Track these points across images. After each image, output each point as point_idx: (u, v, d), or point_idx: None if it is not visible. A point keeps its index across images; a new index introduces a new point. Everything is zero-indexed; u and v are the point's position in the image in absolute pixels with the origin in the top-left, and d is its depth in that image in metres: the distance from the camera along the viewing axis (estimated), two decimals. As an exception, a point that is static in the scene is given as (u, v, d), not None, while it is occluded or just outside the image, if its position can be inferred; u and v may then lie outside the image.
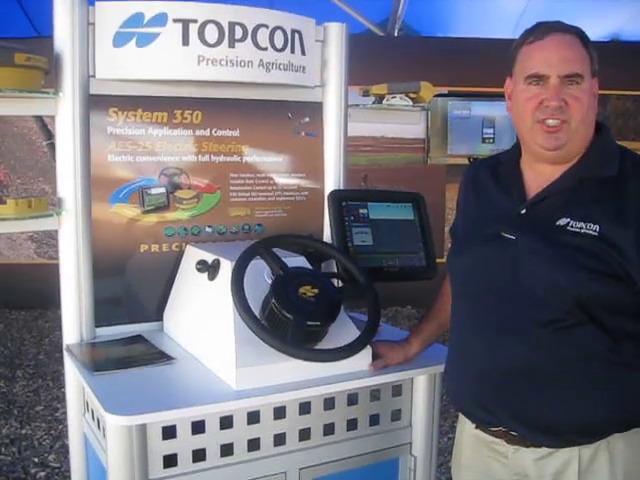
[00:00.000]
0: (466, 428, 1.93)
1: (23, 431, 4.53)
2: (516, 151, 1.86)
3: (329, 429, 2.18)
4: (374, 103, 2.82)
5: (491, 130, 7.55)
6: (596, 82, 1.72)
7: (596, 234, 1.62)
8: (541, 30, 1.71)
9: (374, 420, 2.26)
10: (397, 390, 2.28)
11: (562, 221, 1.67)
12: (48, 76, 2.31)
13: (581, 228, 1.64)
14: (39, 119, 2.33)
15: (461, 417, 1.97)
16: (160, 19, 2.31)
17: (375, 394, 2.24)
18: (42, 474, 3.99)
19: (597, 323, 1.64)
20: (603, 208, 1.64)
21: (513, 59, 1.78)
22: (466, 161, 7.48)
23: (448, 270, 1.97)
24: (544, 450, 1.73)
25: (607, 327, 1.65)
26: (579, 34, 1.70)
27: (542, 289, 1.66)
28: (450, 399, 1.96)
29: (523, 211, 1.74)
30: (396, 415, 2.30)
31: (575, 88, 1.67)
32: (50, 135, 2.25)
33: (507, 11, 7.83)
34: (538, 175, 1.77)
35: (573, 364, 1.67)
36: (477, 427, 1.87)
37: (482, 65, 7.08)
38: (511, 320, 1.71)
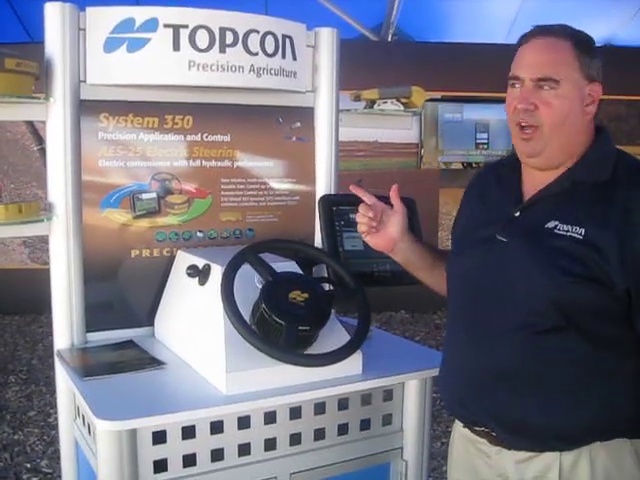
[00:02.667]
0: (457, 426, 1.94)
1: (16, 437, 4.53)
2: (515, 155, 1.85)
3: (320, 434, 2.18)
4: (365, 108, 2.83)
5: (485, 135, 7.57)
6: (596, 87, 1.69)
7: (580, 237, 1.61)
8: (532, 33, 1.72)
9: (365, 425, 2.26)
10: (388, 394, 2.28)
11: (550, 224, 1.67)
12: (39, 81, 2.31)
13: (567, 231, 1.63)
14: (30, 124, 2.33)
15: None
16: (151, 24, 2.31)
17: (366, 398, 2.24)
18: (34, 480, 3.99)
19: (577, 328, 1.64)
20: (591, 211, 1.64)
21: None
22: (460, 166, 7.50)
23: (446, 271, 1.97)
24: (525, 454, 1.73)
25: (587, 332, 1.64)
26: (573, 38, 1.68)
27: (523, 292, 1.67)
28: (440, 395, 1.97)
29: (517, 214, 1.75)
30: (387, 420, 2.30)
31: (548, 93, 1.66)
32: (41, 140, 2.25)
33: (500, 16, 7.85)
34: (534, 179, 1.77)
35: (552, 369, 1.67)
36: (464, 426, 1.87)
37: (476, 70, 7.11)
38: (495, 322, 1.72)
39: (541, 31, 1.71)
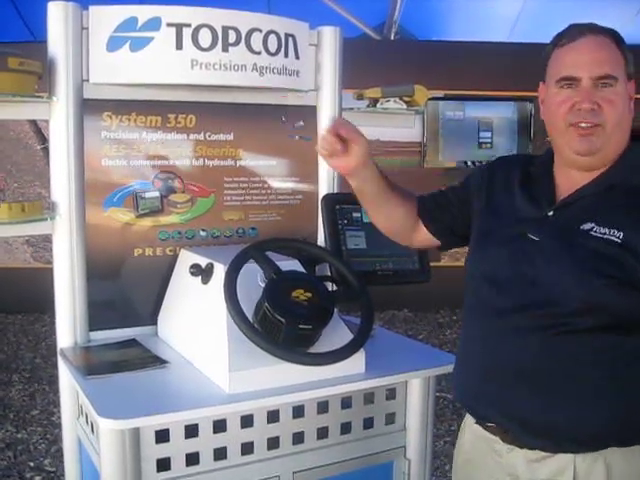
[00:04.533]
0: (468, 421, 1.93)
1: (19, 435, 4.53)
2: (549, 156, 1.84)
3: (323, 432, 2.18)
4: (368, 106, 2.82)
5: (488, 134, 7.56)
6: (632, 85, 1.69)
7: (619, 241, 1.59)
8: (573, 32, 1.69)
9: (368, 423, 2.26)
10: (391, 393, 2.29)
11: (586, 225, 1.65)
12: (42, 80, 2.32)
13: (604, 234, 1.61)
14: (33, 123, 2.34)
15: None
16: (154, 23, 2.31)
17: (369, 397, 2.24)
18: (37, 478, 3.99)
19: (605, 331, 1.62)
20: (629, 216, 1.62)
21: (545, 63, 1.75)
22: (463, 165, 7.49)
23: (467, 265, 1.92)
24: (538, 453, 1.72)
25: (617, 337, 1.62)
26: (613, 36, 1.67)
27: (556, 292, 1.65)
28: (452, 388, 1.95)
29: (550, 213, 1.73)
30: (390, 418, 2.31)
31: (608, 91, 1.64)
32: (44, 139, 2.26)
33: (503, 15, 7.86)
34: (569, 180, 1.75)
35: (576, 369, 1.65)
36: (476, 422, 1.86)
37: (478, 68, 7.11)
38: (519, 320, 1.70)
39: (589, 29, 1.68)
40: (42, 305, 6.89)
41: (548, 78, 1.75)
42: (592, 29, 1.67)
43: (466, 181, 2.05)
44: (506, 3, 7.74)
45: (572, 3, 6.94)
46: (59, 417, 4.54)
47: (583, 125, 1.66)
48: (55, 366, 4.82)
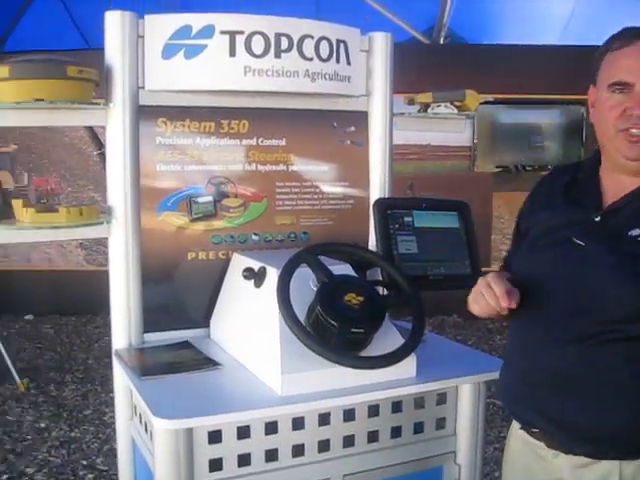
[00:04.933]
0: (514, 427, 1.93)
1: (72, 434, 4.62)
2: (596, 159, 1.83)
3: (373, 436, 2.18)
4: (419, 111, 2.83)
5: (538, 138, 7.50)
6: None
7: None
8: (626, 36, 1.68)
9: (418, 428, 2.26)
10: (442, 398, 2.28)
11: (634, 232, 1.64)
12: (98, 87, 2.37)
13: None
14: (90, 129, 2.40)
15: None
16: (208, 31, 2.35)
17: (419, 402, 2.24)
18: (90, 476, 4.07)
19: None
20: None
21: (597, 66, 1.74)
22: (513, 169, 7.44)
23: (513, 270, 1.92)
24: (583, 459, 1.71)
25: None
26: None
27: (601, 298, 1.64)
28: (498, 393, 1.96)
29: (597, 219, 1.71)
30: (441, 423, 2.30)
31: None
32: (101, 145, 2.31)
33: (553, 17, 7.78)
34: (617, 185, 1.73)
35: (621, 376, 1.64)
36: (521, 428, 1.86)
37: (529, 72, 7.05)
38: (566, 326, 1.69)
39: (636, 34, 1.67)
40: (95, 307, 7.04)
41: (599, 82, 1.74)
42: None
43: (518, 219, 2.03)
44: (557, 5, 7.66)
45: (625, 4, 6.86)
46: (111, 417, 4.66)
47: (634, 131, 1.65)
48: (107, 367, 4.89)
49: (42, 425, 4.75)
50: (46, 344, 6.69)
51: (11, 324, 7.29)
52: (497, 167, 7.48)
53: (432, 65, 7.04)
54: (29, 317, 7.59)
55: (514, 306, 1.70)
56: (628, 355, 1.63)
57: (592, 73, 1.77)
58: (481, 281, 1.78)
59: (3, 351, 5.37)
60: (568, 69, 1.82)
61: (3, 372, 5.56)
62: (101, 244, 7.27)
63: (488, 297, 1.73)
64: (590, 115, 1.81)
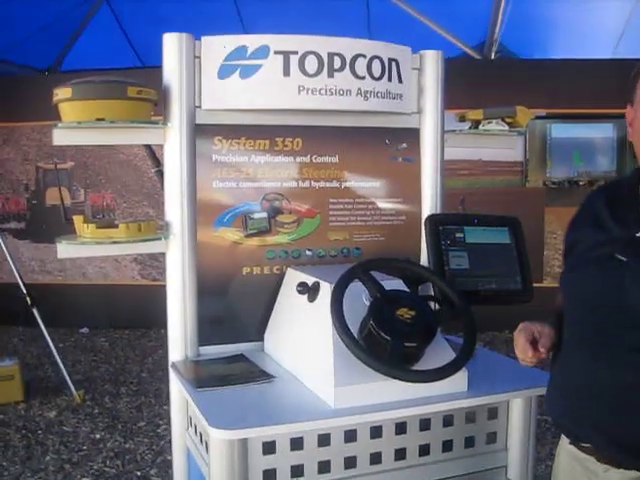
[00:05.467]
0: (563, 443, 1.93)
1: (127, 445, 4.69)
2: (635, 176, 1.84)
3: (424, 450, 2.20)
4: (470, 128, 2.85)
5: (591, 153, 7.44)
6: None
7: None
8: None
9: (469, 442, 2.27)
10: (493, 413, 2.29)
11: None
12: (157, 106, 2.44)
13: None
14: (148, 147, 2.46)
15: None
16: (262, 51, 2.41)
17: (470, 416, 2.25)
18: (145, 487, 4.14)
19: None
20: None
21: (633, 86, 1.76)
22: (566, 184, 7.38)
23: (560, 287, 1.95)
24: (634, 473, 1.71)
25: None
26: None
27: None
28: (546, 408, 1.97)
29: (638, 234, 1.72)
30: (492, 438, 2.30)
31: None
32: (158, 163, 2.38)
33: (607, 31, 7.71)
34: None
35: None
36: (571, 443, 1.87)
37: (581, 86, 7.00)
38: (612, 340, 1.71)
39: None
40: (149, 321, 7.17)
41: (637, 101, 1.75)
42: None
43: (565, 237, 2.04)
44: (610, 18, 7.59)
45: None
46: (165, 429, 4.73)
47: None
48: (161, 380, 4.97)
49: (97, 436, 4.84)
50: (101, 357, 6.81)
51: (67, 337, 7.44)
52: (549, 182, 7.42)
53: (483, 80, 7.03)
54: (84, 330, 7.74)
55: (541, 355, 1.84)
56: None
57: (629, 92, 1.78)
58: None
59: (60, 363, 5.49)
60: (620, 83, 1.82)
61: (60, 384, 5.70)
62: (155, 259, 7.40)
63: (517, 351, 1.90)
64: (629, 135, 1.82)
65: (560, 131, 7.39)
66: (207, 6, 7.58)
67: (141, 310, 7.36)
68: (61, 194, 7.05)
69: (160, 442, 4.70)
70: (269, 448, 2.01)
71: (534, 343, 1.86)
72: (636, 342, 1.66)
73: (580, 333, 1.83)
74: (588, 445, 1.80)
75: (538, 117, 7.11)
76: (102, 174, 7.72)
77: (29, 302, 5.45)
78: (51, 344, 5.49)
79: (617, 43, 7.75)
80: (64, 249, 2.35)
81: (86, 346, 7.19)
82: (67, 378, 5.47)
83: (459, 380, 2.11)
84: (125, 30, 8.32)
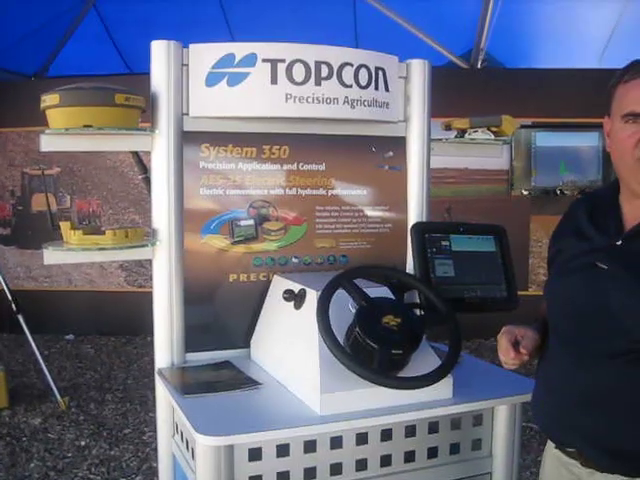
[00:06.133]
0: (549, 447, 1.96)
1: (112, 452, 4.67)
2: (615, 186, 1.88)
3: (410, 456, 2.21)
4: (456, 137, 2.87)
5: (576, 162, 7.48)
6: None
7: None
8: (636, 69, 1.74)
9: (454, 449, 2.28)
10: (478, 419, 2.31)
11: None
12: (144, 113, 2.45)
13: None
14: (135, 154, 2.45)
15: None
16: (250, 59, 2.42)
17: (456, 423, 2.27)
18: (130, 495, 4.12)
19: None
20: None
21: (610, 98, 1.81)
22: (551, 193, 7.42)
23: (544, 295, 1.99)
24: (618, 477, 1.73)
25: None
26: None
27: (624, 318, 1.68)
28: (532, 414, 1.98)
29: (619, 242, 1.76)
30: (477, 445, 2.32)
31: None
32: (145, 170, 2.37)
33: (592, 41, 7.76)
34: (637, 210, 1.79)
35: None
36: (556, 447, 1.89)
37: (567, 96, 7.04)
38: (594, 347, 1.74)
39: None
40: (134, 327, 7.16)
41: (613, 113, 1.80)
42: None
43: (549, 246, 2.08)
44: (595, 29, 7.65)
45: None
46: (150, 436, 4.71)
47: None
48: (146, 387, 4.95)
49: (82, 443, 4.82)
50: (86, 363, 6.78)
51: (52, 343, 7.40)
52: (534, 191, 7.46)
53: (470, 89, 7.07)
54: (70, 337, 7.70)
55: (523, 356, 1.87)
56: None
57: (606, 104, 1.82)
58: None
59: (45, 370, 5.47)
60: (604, 93, 1.84)
61: (45, 390, 5.67)
62: (141, 266, 7.39)
63: (499, 353, 1.93)
64: (607, 145, 1.87)
65: (545, 140, 7.43)
66: (194, 13, 7.59)
67: (127, 317, 7.34)
68: (48, 200, 7.03)
69: (146, 449, 4.69)
70: (255, 454, 2.02)
71: (516, 345, 1.88)
72: (617, 348, 1.70)
73: (563, 339, 1.86)
74: (573, 450, 1.82)
75: (524, 126, 7.15)
76: (88, 180, 7.70)
77: (14, 308, 5.42)
78: (36, 351, 5.47)
79: (602, 53, 7.80)
80: (51, 255, 2.35)
81: (71, 353, 7.16)
82: (52, 385, 5.45)
83: (444, 387, 2.12)
84: (112, 36, 8.31)
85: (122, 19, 7.97)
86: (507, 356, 1.89)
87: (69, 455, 4.62)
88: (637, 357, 1.67)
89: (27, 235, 7.71)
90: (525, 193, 7.44)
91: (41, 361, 5.47)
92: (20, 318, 5.41)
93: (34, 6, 7.17)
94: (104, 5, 7.91)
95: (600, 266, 1.76)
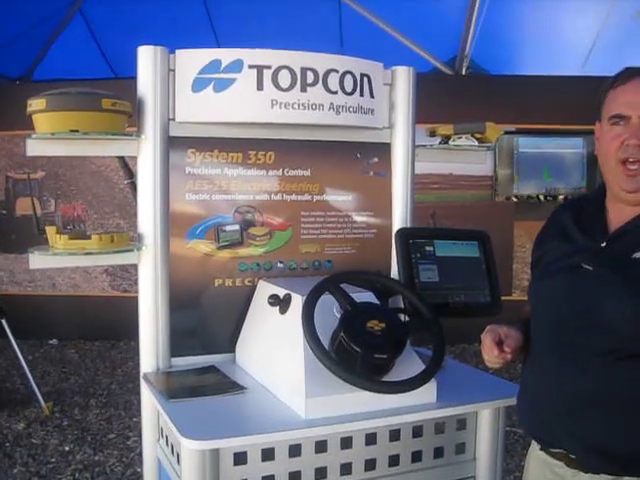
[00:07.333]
0: (533, 449, 1.98)
1: (96, 458, 4.65)
2: (601, 190, 1.92)
3: (394, 460, 2.23)
4: (440, 143, 2.89)
5: (560, 167, 7.53)
6: None
7: None
8: (626, 75, 1.80)
9: (438, 453, 2.30)
10: (461, 423, 2.32)
11: (638, 254, 1.72)
12: (130, 118, 2.45)
13: None
14: (121, 159, 2.46)
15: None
16: (236, 65, 2.44)
17: (440, 427, 2.28)
18: (114, 500, 4.11)
19: None
20: None
21: (600, 103, 1.86)
22: (535, 198, 7.47)
23: (528, 297, 2.02)
24: (603, 477, 1.75)
25: None
26: None
27: (610, 318, 1.71)
28: (517, 416, 2.00)
29: (603, 244, 1.80)
30: (460, 448, 2.34)
31: None
32: (131, 174, 2.37)
33: (575, 49, 7.82)
34: (620, 213, 1.83)
35: (636, 393, 1.70)
36: (541, 449, 1.91)
37: (551, 102, 7.09)
38: (580, 347, 1.77)
39: (634, 73, 1.79)
40: (118, 332, 7.13)
41: (602, 117, 1.85)
42: None
43: (533, 249, 2.11)
44: (579, 36, 7.70)
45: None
46: (135, 441, 4.70)
47: (631, 167, 1.76)
48: (131, 392, 4.94)
49: (66, 448, 4.80)
50: (70, 368, 6.76)
51: (36, 348, 7.37)
52: (518, 196, 7.51)
53: (454, 95, 7.10)
54: (54, 341, 7.68)
55: (507, 355, 1.89)
56: (634, 372, 1.69)
57: (597, 109, 1.88)
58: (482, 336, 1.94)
59: (28, 374, 5.45)
60: (589, 99, 1.86)
61: (28, 395, 5.64)
62: (126, 270, 7.37)
63: (483, 352, 1.93)
64: (596, 149, 1.91)
65: (528, 146, 7.47)
66: (180, 18, 7.59)
67: (111, 322, 7.32)
68: (34, 205, 7.00)
69: (130, 454, 4.67)
70: (240, 459, 2.03)
71: (500, 344, 1.90)
72: (601, 347, 1.72)
73: (548, 340, 1.88)
74: (558, 450, 1.84)
75: (507, 132, 7.19)
76: (73, 184, 7.67)
77: (-3, 313, 5.41)
78: (20, 355, 5.45)
79: (585, 61, 7.86)
80: (37, 260, 2.35)
81: (55, 358, 7.13)
82: (36, 390, 5.43)
83: (428, 391, 2.14)
84: (98, 40, 8.29)
85: (108, 23, 7.95)
86: (490, 354, 1.91)
87: (53, 460, 4.60)
88: (623, 356, 1.69)
89: (11, 239, 7.67)
90: (511, 199, 7.48)
91: (25, 366, 5.45)
92: (3, 323, 5.39)
93: (19, 10, 7.15)
94: (90, 9, 7.89)
95: (585, 267, 1.79)
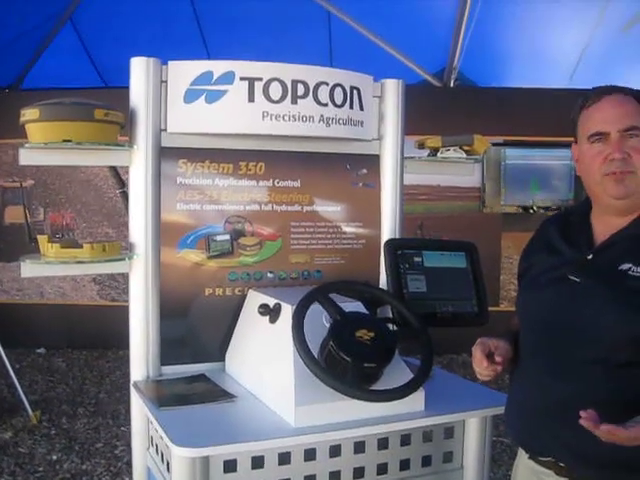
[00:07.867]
0: (521, 457, 2.00)
1: (84, 467, 4.63)
2: (586, 205, 1.96)
3: (382, 469, 2.24)
4: (429, 155, 2.92)
5: (547, 179, 7.57)
6: None
7: None
8: (596, 93, 1.84)
9: (426, 461, 2.32)
10: (449, 432, 2.34)
11: (624, 266, 1.75)
12: (123, 129, 2.48)
13: None
14: (113, 168, 2.47)
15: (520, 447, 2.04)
16: (228, 77, 2.47)
17: (427, 435, 2.30)
18: (101, 509, 4.10)
19: None
20: None
21: (574, 124, 1.91)
22: (522, 210, 7.51)
23: (517, 307, 2.05)
24: None
25: None
26: (632, 93, 1.82)
27: (597, 328, 1.74)
28: (505, 426, 2.03)
29: (590, 256, 1.83)
30: (448, 457, 2.36)
31: (635, 140, 1.78)
32: (123, 184, 2.38)
33: (562, 62, 7.88)
34: (606, 226, 1.86)
35: (625, 401, 1.71)
36: (530, 457, 1.94)
37: (538, 115, 7.14)
38: (568, 356, 1.79)
39: (611, 89, 1.84)
40: (107, 341, 7.10)
41: (579, 138, 1.90)
42: (614, 88, 1.84)
43: (520, 262, 2.14)
44: (566, 49, 7.76)
45: (634, 48, 6.99)
46: (122, 450, 4.70)
47: (617, 170, 1.79)
48: (118, 401, 4.93)
49: (54, 457, 4.78)
50: (58, 377, 6.73)
51: (24, 357, 7.33)
52: (506, 208, 7.55)
53: (443, 107, 7.15)
54: (41, 350, 7.64)
55: (497, 367, 1.92)
56: (632, 381, 1.71)
57: (572, 131, 1.93)
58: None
59: (16, 383, 5.43)
60: (570, 122, 1.91)
61: (15, 404, 5.61)
62: (114, 279, 7.35)
63: (474, 364, 1.96)
64: (577, 170, 1.96)
65: (516, 158, 7.52)
66: (171, 29, 7.61)
67: (99, 330, 7.30)
68: (25, 213, 6.99)
69: (118, 463, 4.66)
70: (230, 466, 2.04)
71: (490, 357, 1.93)
72: (588, 357, 1.76)
73: (535, 350, 1.92)
74: (547, 459, 1.87)
75: (496, 144, 7.24)
76: (62, 193, 7.67)
77: (-15, 321, 5.39)
78: (7, 364, 5.42)
79: (572, 73, 7.92)
80: (28, 268, 2.37)
81: (43, 366, 7.10)
82: (23, 398, 5.41)
83: (416, 400, 2.16)
84: (88, 49, 8.29)
85: (98, 33, 7.95)
86: (481, 367, 1.94)
87: (40, 470, 4.58)
88: (610, 365, 1.72)
89: (-1, 248, 7.67)
90: (498, 210, 7.53)
91: (12, 374, 5.43)
92: (-9, 331, 5.38)
93: (8, 18, 7.16)
94: (80, 18, 7.90)
95: (572, 279, 1.83)
